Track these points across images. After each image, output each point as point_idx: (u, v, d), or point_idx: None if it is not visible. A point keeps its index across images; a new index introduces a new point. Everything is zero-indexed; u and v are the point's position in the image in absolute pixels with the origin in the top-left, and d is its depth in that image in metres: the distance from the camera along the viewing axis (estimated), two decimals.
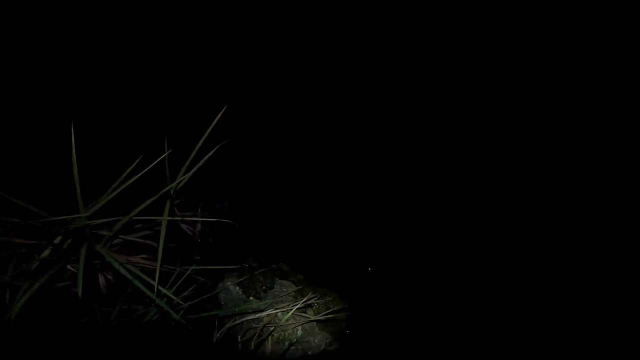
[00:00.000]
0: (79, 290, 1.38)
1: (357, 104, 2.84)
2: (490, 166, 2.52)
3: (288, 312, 1.81)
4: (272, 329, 1.78)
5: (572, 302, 1.92)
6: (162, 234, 1.51)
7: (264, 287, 1.89)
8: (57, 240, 1.45)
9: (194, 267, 1.68)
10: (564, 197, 2.36)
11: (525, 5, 3.34)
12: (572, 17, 3.21)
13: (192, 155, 1.60)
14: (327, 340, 1.80)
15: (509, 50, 3.17)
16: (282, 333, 1.79)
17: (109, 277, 1.59)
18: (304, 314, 1.83)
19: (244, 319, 1.78)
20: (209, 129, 1.60)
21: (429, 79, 3.03)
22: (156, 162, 1.44)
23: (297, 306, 1.82)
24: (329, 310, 1.86)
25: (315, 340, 1.80)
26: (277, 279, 1.93)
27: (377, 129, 2.71)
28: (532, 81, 2.99)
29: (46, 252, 1.48)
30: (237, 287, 1.87)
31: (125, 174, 1.47)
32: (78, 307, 1.50)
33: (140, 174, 1.41)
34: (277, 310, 1.82)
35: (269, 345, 1.76)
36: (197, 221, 1.68)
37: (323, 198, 2.30)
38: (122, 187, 1.43)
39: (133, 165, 1.46)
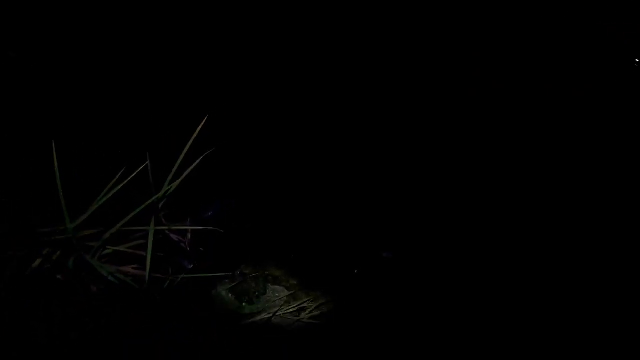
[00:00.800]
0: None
1: (354, 104, 2.84)
2: (490, 166, 2.51)
3: (280, 316, 1.82)
4: (264, 333, 1.80)
5: (572, 301, 1.91)
6: (150, 242, 1.53)
7: (256, 293, 1.91)
8: (46, 251, 1.48)
9: (184, 275, 1.70)
10: (564, 197, 2.34)
11: (525, 5, 3.31)
12: (572, 17, 3.18)
13: (177, 165, 1.62)
14: (321, 343, 1.81)
15: (509, 50, 3.14)
16: (275, 337, 1.80)
17: (101, 287, 1.61)
18: (296, 318, 1.85)
19: (236, 325, 1.79)
20: (193, 138, 1.62)
21: (428, 79, 3.02)
22: (137, 171, 1.46)
23: (290, 310, 1.84)
24: (321, 314, 1.87)
25: (309, 344, 1.81)
26: (270, 284, 1.95)
27: (374, 130, 2.71)
28: (532, 81, 2.97)
29: (37, 262, 1.50)
30: (230, 294, 1.89)
31: (111, 184, 1.49)
32: (79, 309, 1.52)
33: (122, 184, 1.44)
34: (270, 315, 1.83)
35: (262, 349, 1.78)
36: (186, 230, 1.71)
37: (314, 202, 2.31)
38: (106, 197, 1.46)
39: (118, 176, 1.49)
